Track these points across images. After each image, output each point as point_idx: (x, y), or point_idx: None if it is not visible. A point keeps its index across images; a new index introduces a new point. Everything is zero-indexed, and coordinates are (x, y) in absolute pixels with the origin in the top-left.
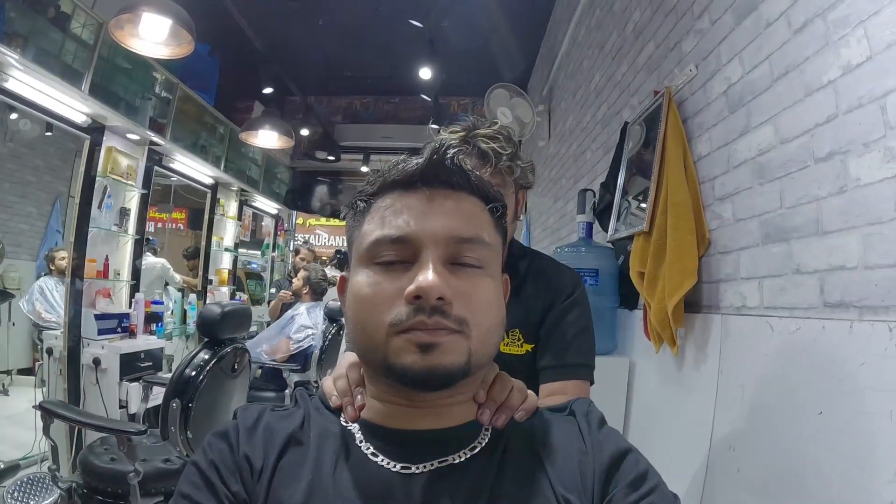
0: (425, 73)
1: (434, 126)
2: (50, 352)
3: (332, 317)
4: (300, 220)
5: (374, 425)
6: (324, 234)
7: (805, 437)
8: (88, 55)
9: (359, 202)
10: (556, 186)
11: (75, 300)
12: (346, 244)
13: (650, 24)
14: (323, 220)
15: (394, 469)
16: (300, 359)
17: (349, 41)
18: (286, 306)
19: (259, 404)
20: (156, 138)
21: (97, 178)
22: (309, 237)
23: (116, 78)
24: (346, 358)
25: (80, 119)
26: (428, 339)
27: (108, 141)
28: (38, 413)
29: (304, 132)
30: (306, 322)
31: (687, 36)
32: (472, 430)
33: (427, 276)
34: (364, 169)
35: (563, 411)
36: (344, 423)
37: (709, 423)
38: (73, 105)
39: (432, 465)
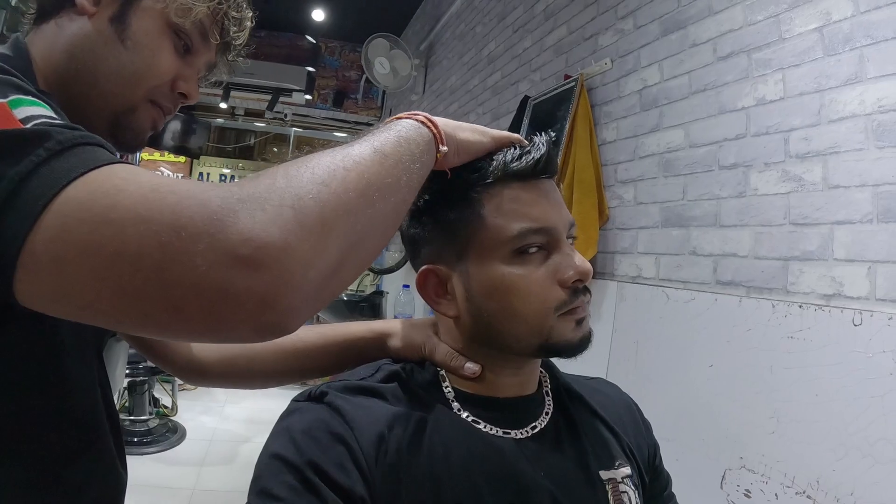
0: (318, 15)
1: None
2: None
3: None
4: (145, 155)
5: (467, 394)
6: (168, 171)
7: (696, 384)
8: None
9: (471, 194)
10: None
11: None
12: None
13: (565, 9)
14: (169, 157)
15: (497, 434)
16: None
17: None
18: None
19: (338, 383)
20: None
21: None
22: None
23: None
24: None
25: None
26: (583, 314)
27: None
28: None
29: None
30: None
31: (606, 31)
32: (541, 396)
33: (584, 262)
34: (223, 105)
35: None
36: (445, 390)
37: (602, 374)
38: None
39: (527, 431)
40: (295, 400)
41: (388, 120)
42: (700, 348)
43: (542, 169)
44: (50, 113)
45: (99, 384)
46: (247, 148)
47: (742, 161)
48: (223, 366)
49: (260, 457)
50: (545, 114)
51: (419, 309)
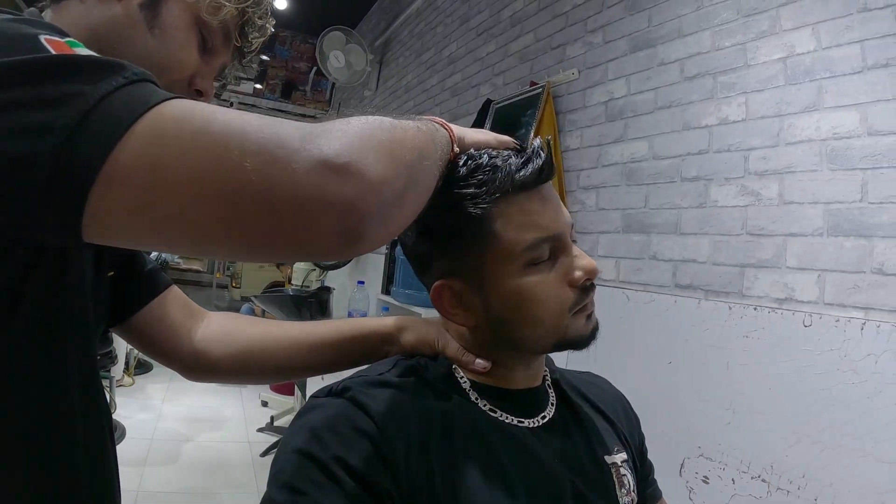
0: (281, 3)
1: None
2: None
3: None
4: None
5: (481, 385)
6: None
7: (656, 378)
8: None
9: (475, 210)
10: None
11: None
12: (438, 253)
13: (533, 18)
14: None
15: (514, 423)
16: None
17: None
18: None
19: (358, 378)
20: None
21: None
22: None
23: None
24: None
25: None
26: (592, 308)
27: None
28: None
29: None
30: None
31: (574, 43)
32: (545, 388)
33: (590, 261)
34: None
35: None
36: (460, 381)
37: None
38: None
39: (538, 420)
40: (314, 396)
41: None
42: (660, 346)
43: (546, 176)
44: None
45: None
46: None
47: (703, 175)
48: (233, 360)
49: (279, 453)
50: (509, 118)
51: (374, 305)
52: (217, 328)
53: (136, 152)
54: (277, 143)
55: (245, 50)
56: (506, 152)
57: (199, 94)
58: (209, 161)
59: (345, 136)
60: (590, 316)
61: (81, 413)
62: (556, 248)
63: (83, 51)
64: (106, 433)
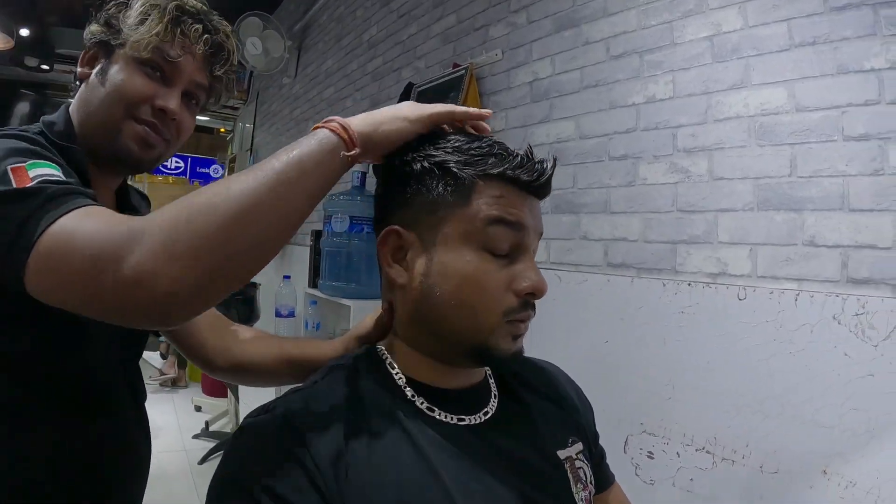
0: None
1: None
2: None
3: None
4: None
5: (417, 382)
6: None
7: (594, 358)
8: None
9: (462, 174)
10: (298, 127)
11: None
12: (411, 201)
13: None
14: None
15: (452, 422)
16: None
17: None
18: None
19: (292, 396)
20: None
21: None
22: None
23: None
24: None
25: None
26: (522, 331)
27: None
28: None
29: (24, 32)
30: None
31: (497, 23)
32: (487, 383)
33: (541, 278)
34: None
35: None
36: (396, 379)
37: None
38: None
39: (480, 417)
40: (248, 416)
41: (312, 128)
42: (595, 326)
43: (538, 187)
44: (53, 171)
45: (122, 364)
46: None
47: (631, 153)
48: (245, 369)
49: (212, 480)
50: (432, 101)
51: (301, 299)
52: (248, 338)
53: (36, 262)
54: (100, 258)
55: (212, 52)
56: (517, 153)
57: (163, 112)
58: (68, 271)
59: (151, 243)
60: (517, 338)
61: (102, 383)
62: (515, 245)
63: (36, 170)
64: (127, 406)
